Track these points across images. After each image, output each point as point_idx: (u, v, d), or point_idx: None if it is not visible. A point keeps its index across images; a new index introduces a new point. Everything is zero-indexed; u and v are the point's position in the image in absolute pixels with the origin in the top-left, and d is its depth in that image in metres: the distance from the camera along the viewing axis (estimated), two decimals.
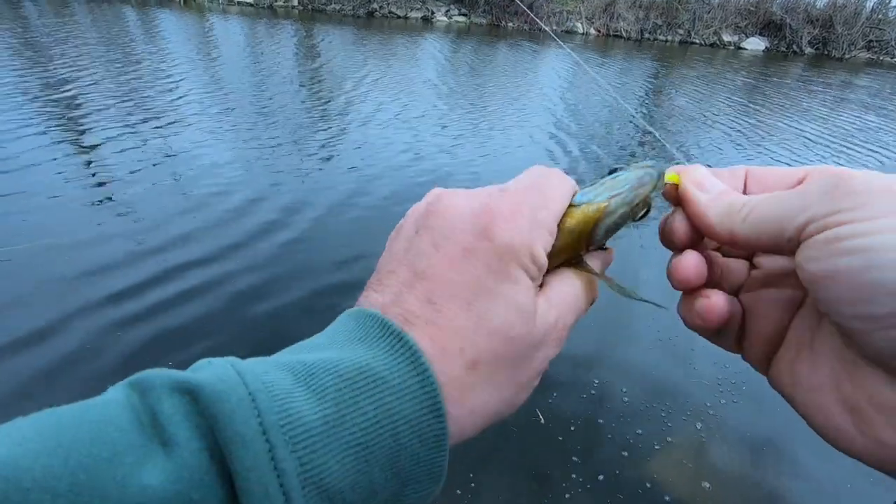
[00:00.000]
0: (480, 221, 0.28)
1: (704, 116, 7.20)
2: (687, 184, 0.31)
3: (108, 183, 3.52)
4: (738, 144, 5.96)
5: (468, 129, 5.55)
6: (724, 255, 0.33)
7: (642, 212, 0.33)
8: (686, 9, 19.09)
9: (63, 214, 3.05)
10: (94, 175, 3.63)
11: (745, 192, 0.30)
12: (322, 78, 7.62)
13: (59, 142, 4.13)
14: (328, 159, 4.34)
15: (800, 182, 0.28)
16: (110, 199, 3.30)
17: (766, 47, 19.08)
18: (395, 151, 4.64)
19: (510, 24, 18.59)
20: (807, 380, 0.27)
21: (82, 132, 4.40)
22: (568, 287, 0.31)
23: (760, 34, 19.49)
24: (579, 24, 18.96)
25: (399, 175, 4.13)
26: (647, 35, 18.89)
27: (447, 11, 18.81)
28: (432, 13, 18.54)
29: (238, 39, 10.51)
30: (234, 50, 9.28)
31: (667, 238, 0.32)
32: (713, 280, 0.31)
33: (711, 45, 18.92)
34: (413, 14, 18.24)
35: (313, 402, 0.24)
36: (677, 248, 0.32)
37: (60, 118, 4.68)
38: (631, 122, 6.49)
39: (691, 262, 0.30)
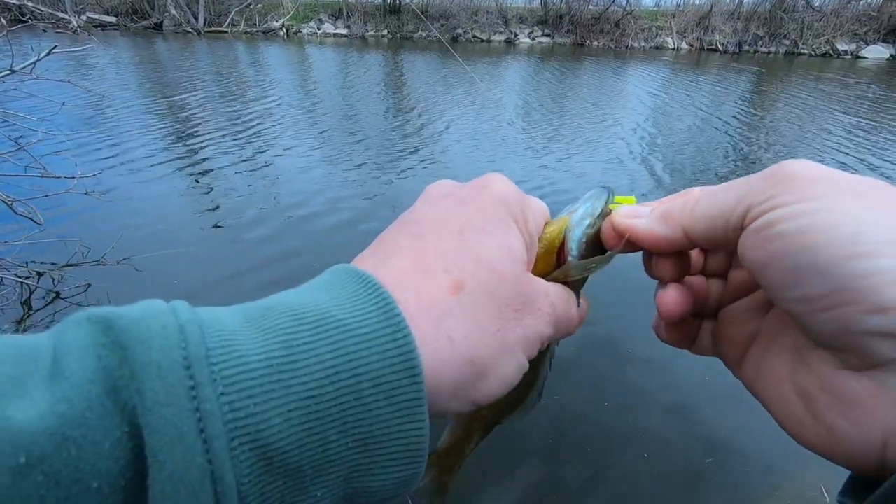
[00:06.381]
0: (476, 182, 0.30)
1: (815, 133, 6.55)
2: (617, 219, 0.31)
3: (216, 194, 3.94)
4: (865, 162, 5.34)
5: (550, 147, 5.51)
6: (706, 277, 0.32)
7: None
8: (793, 18, 17.63)
9: (177, 225, 3.45)
10: (202, 184, 4.07)
11: None
12: (406, 99, 7.98)
13: (173, 156, 4.68)
14: (406, 170, 4.52)
15: None
16: (218, 207, 3.68)
17: (892, 55, 17.02)
18: (475, 166, 4.73)
19: (595, 43, 18.30)
20: (769, 371, 0.26)
21: (194, 146, 4.95)
22: (559, 287, 0.30)
23: (884, 41, 17.44)
24: (669, 40, 18.19)
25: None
26: (746, 48, 17.67)
27: (530, 33, 18.96)
28: (515, 35, 18.77)
29: (332, 66, 11.33)
30: (328, 75, 10.02)
31: (651, 271, 0.32)
32: (702, 306, 0.32)
33: (823, 55, 17.24)
34: (496, 37, 18.59)
35: (259, 341, 0.20)
36: (662, 280, 0.31)
37: (178, 134, 5.31)
38: (722, 142, 6.06)
39: (671, 296, 0.30)
